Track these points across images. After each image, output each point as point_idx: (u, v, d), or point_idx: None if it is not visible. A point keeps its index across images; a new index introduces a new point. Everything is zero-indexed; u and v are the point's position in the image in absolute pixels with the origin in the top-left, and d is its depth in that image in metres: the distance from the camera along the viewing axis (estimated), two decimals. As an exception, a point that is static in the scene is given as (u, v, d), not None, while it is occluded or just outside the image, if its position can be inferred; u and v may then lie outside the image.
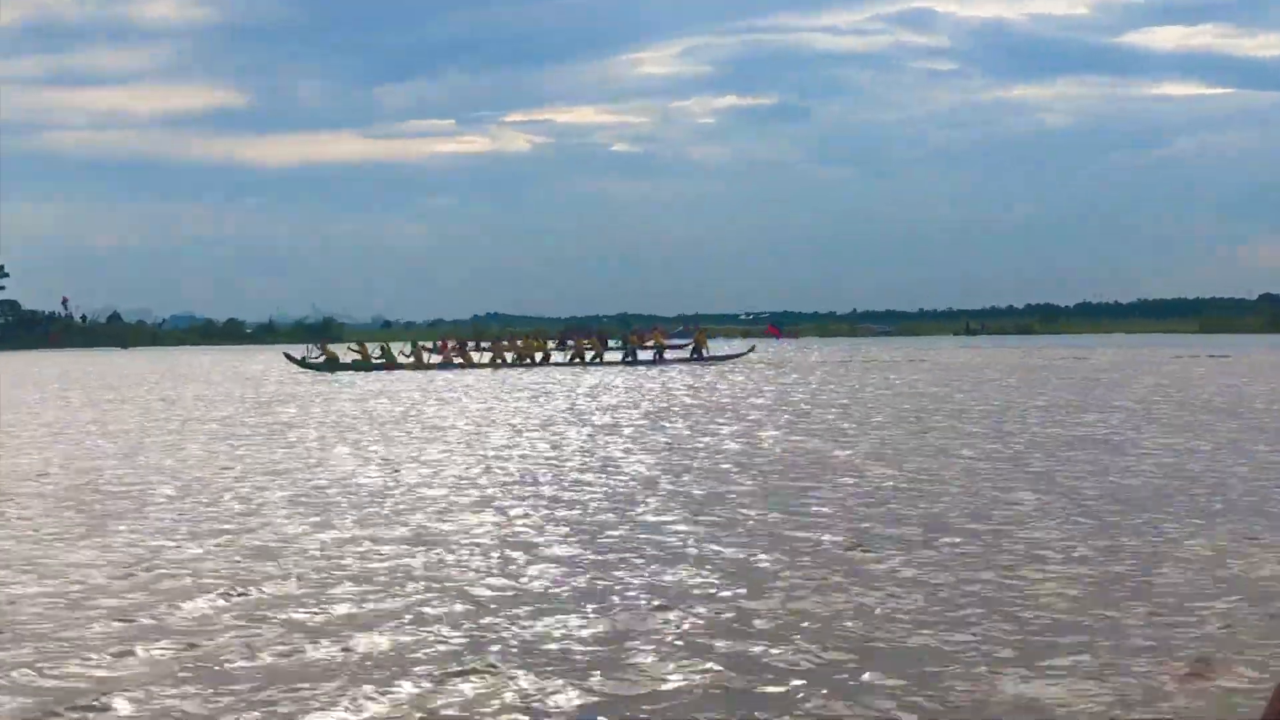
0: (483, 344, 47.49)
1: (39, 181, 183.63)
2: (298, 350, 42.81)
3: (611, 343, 48.71)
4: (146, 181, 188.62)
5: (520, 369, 40.97)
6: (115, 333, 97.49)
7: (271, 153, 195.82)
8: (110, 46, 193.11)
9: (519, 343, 44.56)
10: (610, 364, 43.51)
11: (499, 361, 42.96)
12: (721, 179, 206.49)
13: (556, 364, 43.15)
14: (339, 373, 39.26)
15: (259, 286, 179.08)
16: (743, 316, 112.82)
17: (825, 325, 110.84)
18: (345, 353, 41.69)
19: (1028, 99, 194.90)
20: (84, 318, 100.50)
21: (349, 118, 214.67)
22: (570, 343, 48.37)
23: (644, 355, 44.89)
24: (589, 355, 44.80)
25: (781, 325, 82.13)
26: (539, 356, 42.97)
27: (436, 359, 43.35)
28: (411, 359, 41.51)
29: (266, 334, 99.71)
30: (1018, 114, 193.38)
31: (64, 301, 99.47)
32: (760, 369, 39.52)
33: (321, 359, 41.03)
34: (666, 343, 47.17)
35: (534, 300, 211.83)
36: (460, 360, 42.64)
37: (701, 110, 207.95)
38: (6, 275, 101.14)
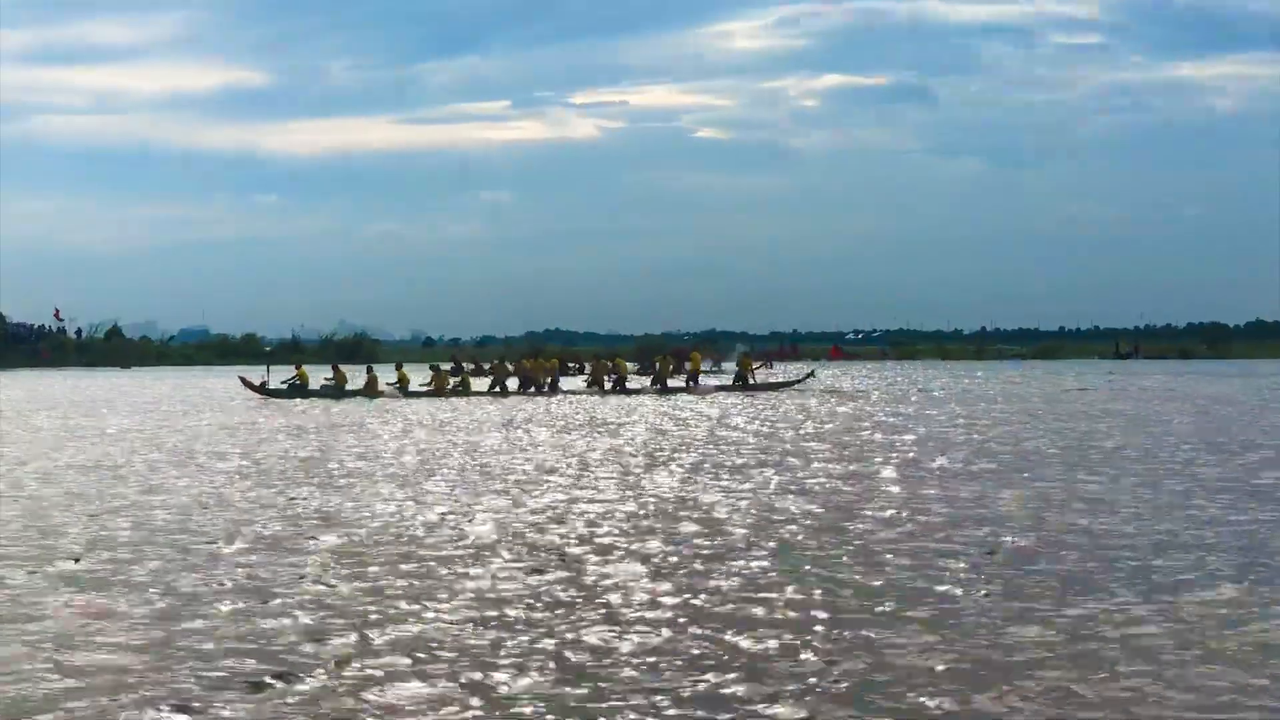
0: (483, 365, 44.39)
1: (28, 174, 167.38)
2: (256, 375, 37.59)
3: (631, 366, 44.19)
4: (152, 174, 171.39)
5: (521, 398, 35.40)
6: (115, 350, 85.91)
7: (295, 141, 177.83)
8: (110, 18, 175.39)
9: (526, 364, 39.73)
10: (634, 391, 38.89)
11: (497, 390, 37.23)
12: (824, 172, 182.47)
13: (570, 391, 38.46)
14: (307, 399, 34.29)
15: (281, 297, 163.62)
16: (850, 335, 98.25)
17: (946, 346, 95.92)
18: (345, 380, 36.31)
19: (1191, 80, 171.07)
20: (79, 332, 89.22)
21: (385, 100, 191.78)
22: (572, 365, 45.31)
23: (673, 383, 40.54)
24: (609, 382, 39.75)
25: (888, 345, 69.58)
26: (546, 382, 37.81)
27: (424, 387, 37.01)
28: (395, 385, 35.49)
29: (290, 352, 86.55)
30: (1179, 97, 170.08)
31: (56, 313, 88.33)
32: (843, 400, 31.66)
33: (289, 383, 35.75)
34: (702, 368, 43.45)
35: (602, 314, 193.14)
36: (430, 386, 36.51)
37: (801, 91, 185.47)
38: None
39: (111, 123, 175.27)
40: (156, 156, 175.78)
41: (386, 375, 37.16)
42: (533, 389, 36.86)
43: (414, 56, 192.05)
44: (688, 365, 43.00)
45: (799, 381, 41.25)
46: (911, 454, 17.19)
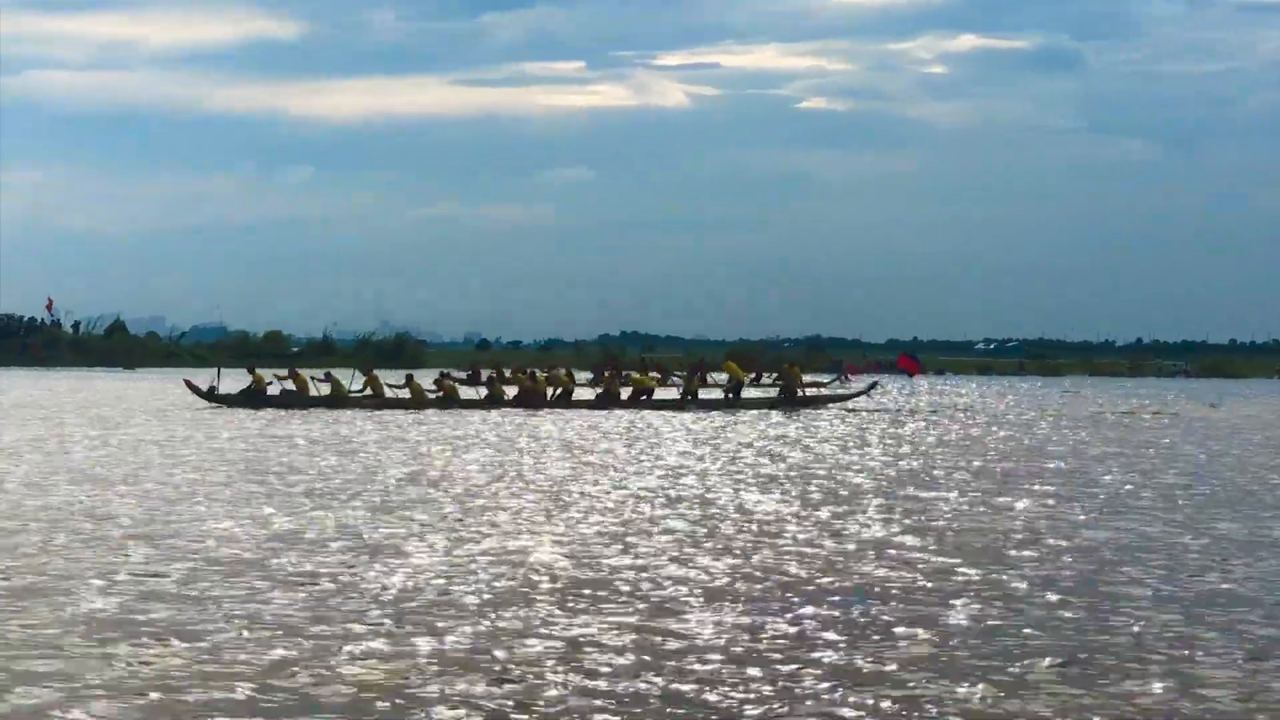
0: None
1: (19, 139, 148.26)
2: (203, 379, 34.62)
3: (676, 377, 40.87)
4: (162, 142, 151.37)
5: (521, 411, 32.22)
6: (116, 348, 74.64)
7: (331, 105, 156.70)
8: None
9: (537, 374, 36.30)
10: (660, 404, 35.44)
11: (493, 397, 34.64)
12: (956, 149, 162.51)
13: (580, 402, 35.33)
14: (261, 408, 31.49)
15: (311, 291, 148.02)
16: (980, 345, 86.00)
17: (1095, 361, 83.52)
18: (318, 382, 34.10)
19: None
20: (76, 326, 78.49)
21: (438, 58, 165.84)
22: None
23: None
24: (624, 392, 36.56)
25: (1025, 356, 58.10)
26: (551, 393, 35.01)
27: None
28: (365, 391, 33.21)
29: (320, 354, 74.78)
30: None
31: (48, 304, 77.72)
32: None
33: (251, 385, 33.16)
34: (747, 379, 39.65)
35: (690, 316, 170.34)
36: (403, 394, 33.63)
37: (930, 54, 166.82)
38: (-27, 268, 79.02)
39: (115, 80, 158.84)
40: (167, 121, 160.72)
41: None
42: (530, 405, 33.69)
43: (474, 6, 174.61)
44: (714, 376, 39.27)
45: (851, 396, 38.15)
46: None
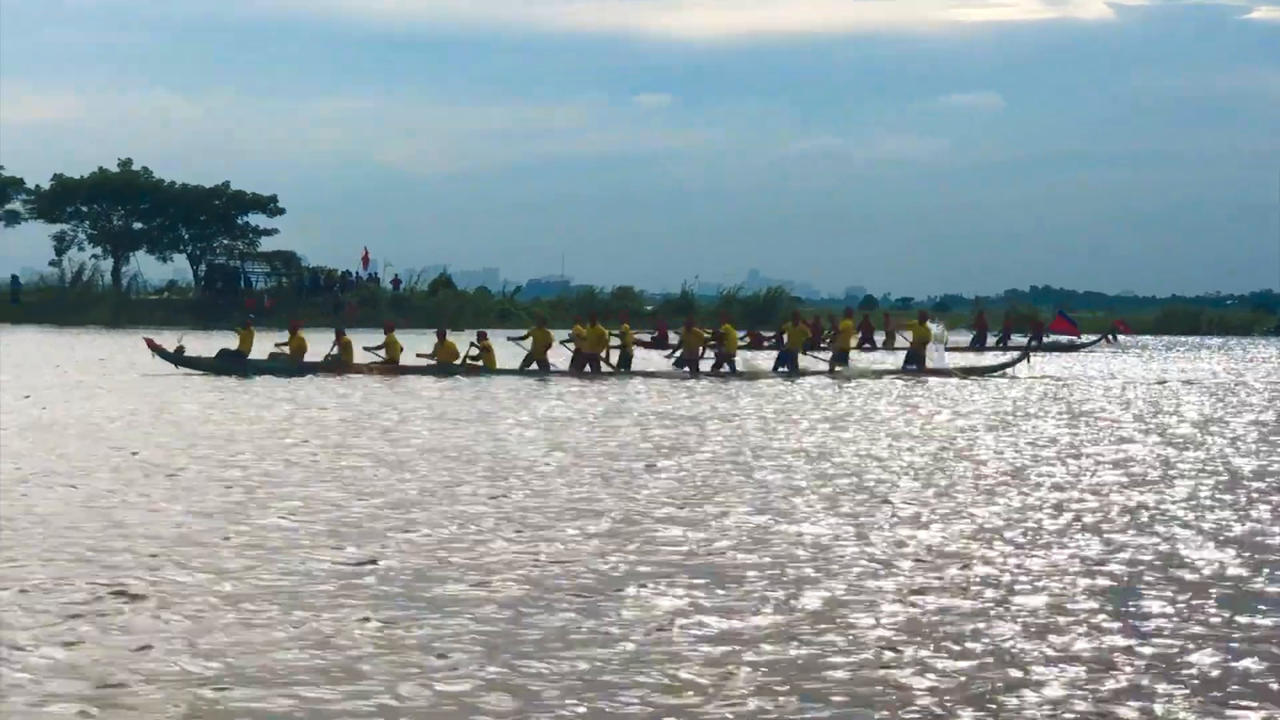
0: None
1: (334, 65, 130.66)
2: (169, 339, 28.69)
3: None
4: (490, 67, 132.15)
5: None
6: (443, 306, 61.36)
7: (690, 24, 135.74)
8: None
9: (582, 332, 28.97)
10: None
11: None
12: None
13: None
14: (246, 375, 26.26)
15: (668, 237, 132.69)
16: None
17: None
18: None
19: None
20: (396, 282, 66.15)
21: None
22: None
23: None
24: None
25: None
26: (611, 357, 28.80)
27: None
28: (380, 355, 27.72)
29: (679, 311, 59.42)
30: None
31: (364, 257, 66.53)
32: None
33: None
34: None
35: (1115, 268, 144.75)
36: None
37: None
38: (281, 212, 67.58)
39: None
40: (497, 43, 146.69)
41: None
42: (587, 366, 28.23)
43: None
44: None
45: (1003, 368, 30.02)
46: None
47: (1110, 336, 50.08)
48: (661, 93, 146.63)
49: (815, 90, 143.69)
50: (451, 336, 29.11)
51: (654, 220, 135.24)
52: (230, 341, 28.83)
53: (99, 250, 65.47)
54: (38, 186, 65.45)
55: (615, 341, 30.53)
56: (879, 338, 43.85)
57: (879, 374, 29.54)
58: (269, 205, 66.73)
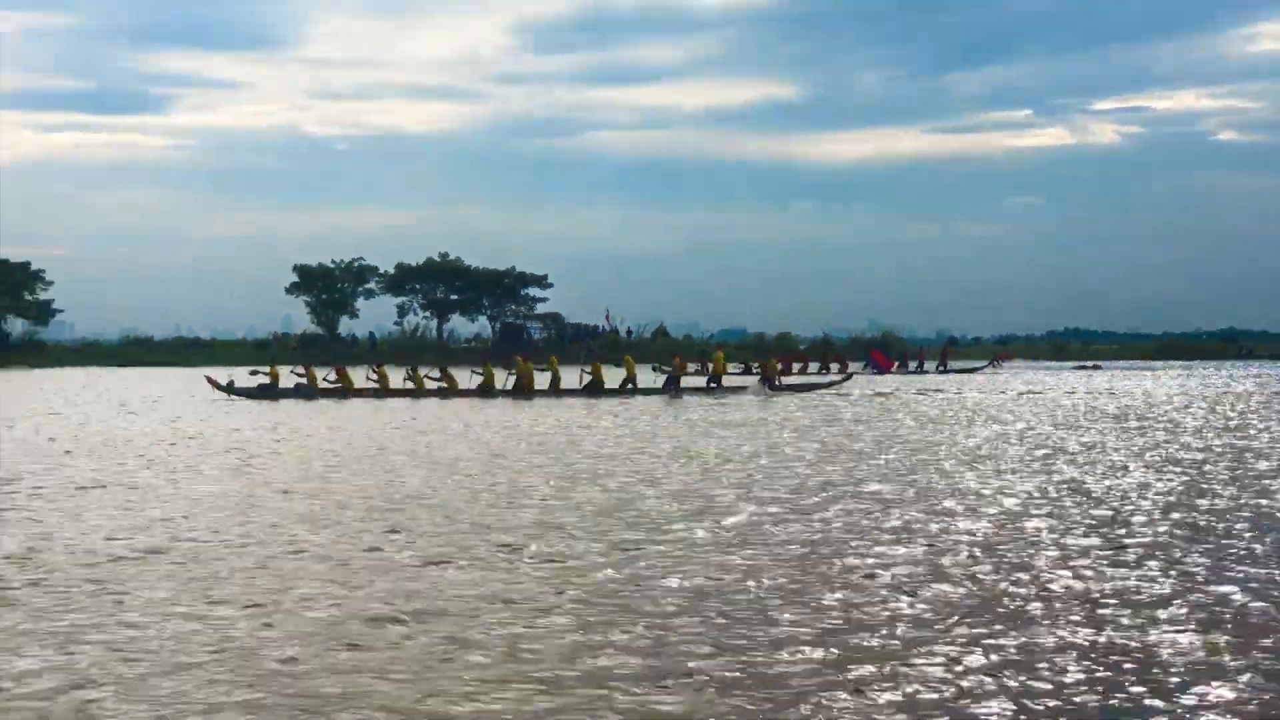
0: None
1: (582, 185, 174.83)
2: (224, 376, 37.48)
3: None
4: (694, 184, 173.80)
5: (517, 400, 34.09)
6: (661, 349, 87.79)
7: (828, 151, 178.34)
8: (656, 40, 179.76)
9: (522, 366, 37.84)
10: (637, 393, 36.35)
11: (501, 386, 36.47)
12: None
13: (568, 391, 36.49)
14: (277, 399, 33.89)
15: (814, 298, 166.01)
16: None
17: None
18: (363, 379, 37.21)
19: None
20: (630, 332, 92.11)
21: (914, 110, 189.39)
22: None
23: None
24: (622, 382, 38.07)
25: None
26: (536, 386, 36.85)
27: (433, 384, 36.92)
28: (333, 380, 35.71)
29: (823, 350, 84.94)
30: None
31: (606, 315, 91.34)
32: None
33: (265, 380, 35.45)
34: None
35: (1122, 313, 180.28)
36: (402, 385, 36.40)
37: None
38: (550, 285, 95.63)
39: (658, 137, 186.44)
40: (699, 167, 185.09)
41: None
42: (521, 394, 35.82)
43: (941, 67, 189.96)
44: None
45: (826, 386, 40.33)
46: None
47: (996, 362, 67.46)
48: (808, 200, 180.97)
49: (917, 194, 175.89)
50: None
51: (805, 285, 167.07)
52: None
53: (428, 314, 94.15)
54: (387, 272, 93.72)
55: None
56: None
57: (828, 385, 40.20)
58: (543, 281, 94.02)
